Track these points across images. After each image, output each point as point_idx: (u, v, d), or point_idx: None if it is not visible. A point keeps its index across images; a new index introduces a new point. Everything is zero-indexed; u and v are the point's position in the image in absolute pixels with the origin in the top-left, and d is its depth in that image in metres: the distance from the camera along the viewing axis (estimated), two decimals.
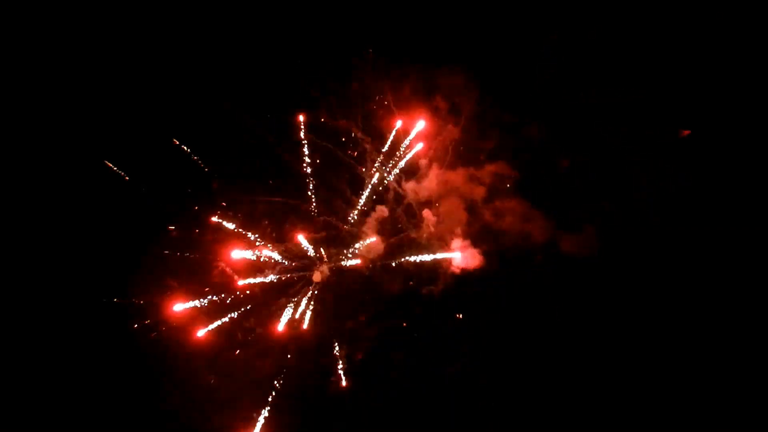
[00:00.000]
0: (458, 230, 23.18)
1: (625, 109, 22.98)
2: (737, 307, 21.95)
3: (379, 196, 23.86)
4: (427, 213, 23.51)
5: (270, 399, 22.49)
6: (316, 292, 23.36)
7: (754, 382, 21.41)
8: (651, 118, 22.89)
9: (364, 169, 23.79)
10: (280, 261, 23.29)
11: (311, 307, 23.14)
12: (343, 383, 22.73)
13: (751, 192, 22.16)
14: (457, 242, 23.08)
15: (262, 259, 23.09)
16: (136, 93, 23.31)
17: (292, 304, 23.09)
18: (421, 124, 23.34)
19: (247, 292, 23.11)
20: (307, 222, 23.67)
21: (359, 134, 23.54)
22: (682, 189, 22.49)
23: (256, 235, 23.22)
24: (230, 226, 23.00)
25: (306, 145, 23.49)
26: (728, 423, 21.24)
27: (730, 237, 22.21)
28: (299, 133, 23.48)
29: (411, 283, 23.38)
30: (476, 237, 23.15)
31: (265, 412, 22.36)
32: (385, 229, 23.64)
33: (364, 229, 23.56)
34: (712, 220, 22.35)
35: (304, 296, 23.20)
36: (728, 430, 21.18)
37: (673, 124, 22.69)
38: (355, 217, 23.73)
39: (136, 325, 22.62)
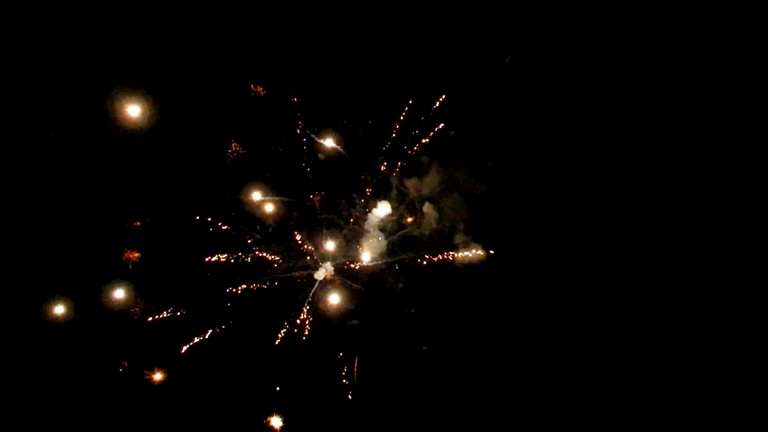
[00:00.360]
0: (460, 227, 23.17)
1: (625, 109, 23.05)
2: (737, 306, 22.00)
3: (382, 193, 23.85)
4: (429, 210, 23.47)
5: (272, 400, 22.47)
6: (319, 290, 23.31)
7: (754, 382, 21.43)
8: (651, 118, 22.95)
9: (366, 167, 23.79)
10: (283, 260, 23.25)
11: (315, 305, 23.10)
12: (345, 383, 22.67)
13: (751, 192, 22.22)
14: (459, 238, 23.07)
15: (268, 259, 23.09)
16: (130, 89, 23.38)
17: (295, 303, 23.08)
18: (422, 121, 23.40)
19: (250, 293, 23.09)
20: (309, 220, 23.63)
21: (360, 132, 23.55)
22: (682, 189, 22.52)
23: (257, 235, 23.20)
24: (229, 226, 23.01)
25: (307, 143, 23.49)
26: (729, 423, 21.26)
27: (730, 237, 22.25)
28: (300, 131, 23.50)
29: (413, 281, 23.37)
30: (478, 234, 23.17)
31: (266, 414, 22.37)
32: (387, 226, 23.61)
33: (367, 226, 23.51)
34: (712, 220, 22.39)
35: (308, 295, 23.15)
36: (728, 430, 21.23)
37: (673, 124, 22.74)
38: (358, 215, 23.70)
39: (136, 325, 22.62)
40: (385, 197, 23.75)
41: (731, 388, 21.54)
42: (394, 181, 23.76)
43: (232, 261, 22.88)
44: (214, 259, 22.82)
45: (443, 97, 23.30)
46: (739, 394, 21.42)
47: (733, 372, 21.69)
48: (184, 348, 22.50)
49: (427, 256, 23.06)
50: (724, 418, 21.28)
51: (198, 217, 23.08)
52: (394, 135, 23.56)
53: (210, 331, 22.45)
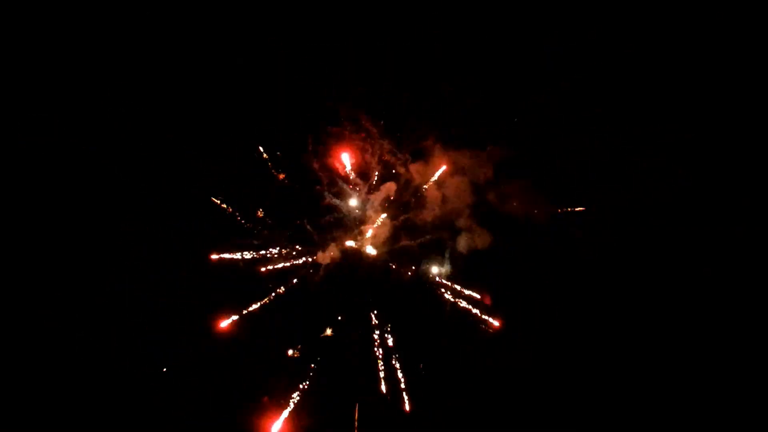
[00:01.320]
0: (464, 211, 23.03)
1: (625, 109, 23.07)
2: (738, 306, 22.03)
3: (385, 178, 23.70)
4: (432, 194, 23.31)
5: (266, 392, 22.47)
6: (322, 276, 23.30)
7: (753, 383, 21.45)
8: (651, 118, 22.96)
9: (369, 152, 23.65)
10: (286, 246, 23.18)
11: (317, 291, 23.04)
12: (347, 376, 22.64)
13: (751, 192, 22.24)
14: (462, 223, 22.93)
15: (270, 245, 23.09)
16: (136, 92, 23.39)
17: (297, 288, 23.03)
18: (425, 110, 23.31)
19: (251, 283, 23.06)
20: (311, 205, 23.56)
21: (364, 118, 23.37)
22: (682, 189, 22.54)
23: (259, 221, 23.18)
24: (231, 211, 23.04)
25: (311, 131, 23.37)
26: (729, 424, 21.29)
27: (731, 237, 22.28)
28: (303, 119, 23.39)
29: (415, 265, 23.32)
30: (482, 218, 23.07)
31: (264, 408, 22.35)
32: (390, 210, 23.48)
33: (370, 211, 23.36)
34: (712, 220, 22.42)
35: (310, 280, 23.09)
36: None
37: (673, 124, 22.76)
38: (361, 200, 23.55)
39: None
40: (388, 182, 23.60)
41: (731, 387, 21.59)
42: (398, 166, 23.58)
43: (236, 255, 22.95)
44: (214, 255, 22.89)
45: (449, 87, 23.16)
46: (739, 394, 21.47)
47: (733, 372, 21.74)
48: (186, 346, 22.58)
49: (430, 239, 22.97)
50: (724, 418, 21.32)
51: (197, 215, 23.15)
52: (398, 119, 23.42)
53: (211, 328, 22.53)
